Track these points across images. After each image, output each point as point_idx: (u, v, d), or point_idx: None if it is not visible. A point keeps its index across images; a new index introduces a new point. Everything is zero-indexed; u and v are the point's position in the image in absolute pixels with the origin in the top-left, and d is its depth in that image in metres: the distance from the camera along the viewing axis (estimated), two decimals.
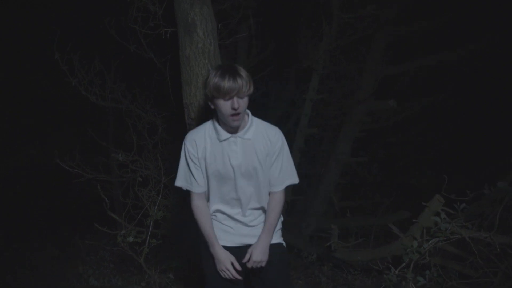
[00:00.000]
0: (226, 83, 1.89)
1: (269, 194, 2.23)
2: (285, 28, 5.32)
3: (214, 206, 2.20)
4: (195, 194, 2.17)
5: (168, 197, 4.06)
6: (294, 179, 2.24)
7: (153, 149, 4.27)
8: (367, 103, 5.00)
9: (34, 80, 6.27)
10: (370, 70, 5.04)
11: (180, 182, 2.19)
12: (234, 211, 2.20)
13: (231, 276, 2.10)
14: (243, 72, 1.95)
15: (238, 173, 2.11)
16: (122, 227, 3.55)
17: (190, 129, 2.50)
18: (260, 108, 5.50)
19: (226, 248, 2.17)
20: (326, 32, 4.62)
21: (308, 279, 3.93)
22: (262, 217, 2.25)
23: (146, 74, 4.68)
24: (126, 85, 4.39)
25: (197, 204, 2.17)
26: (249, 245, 2.19)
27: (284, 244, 2.31)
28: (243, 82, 1.92)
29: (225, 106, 1.95)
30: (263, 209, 2.24)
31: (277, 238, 2.25)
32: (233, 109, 1.94)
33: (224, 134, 2.07)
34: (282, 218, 2.34)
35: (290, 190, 4.88)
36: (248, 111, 2.11)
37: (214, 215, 2.22)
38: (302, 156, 5.05)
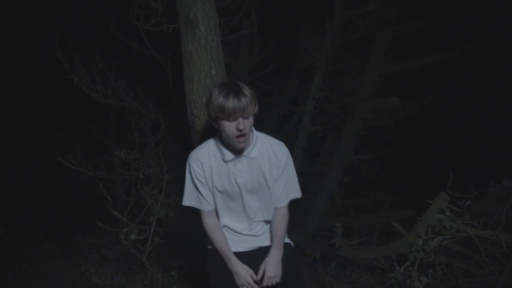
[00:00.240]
0: (231, 103, 1.82)
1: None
2: (287, 26, 5.30)
3: (222, 221, 2.20)
4: (205, 212, 2.15)
5: (171, 195, 4.04)
6: (297, 194, 2.22)
7: (155, 147, 4.25)
8: (369, 101, 4.97)
9: (34, 80, 6.27)
10: (372, 68, 5.02)
11: (188, 201, 2.17)
12: (241, 226, 2.21)
13: None
14: (247, 91, 1.88)
15: (244, 190, 2.10)
16: (124, 225, 3.54)
17: (193, 126, 2.48)
18: (262, 106, 5.46)
19: (236, 254, 2.16)
20: (329, 30, 4.60)
21: (312, 278, 3.91)
22: (269, 226, 2.26)
23: (148, 72, 4.66)
24: (128, 83, 4.37)
25: (208, 221, 2.15)
26: (259, 248, 2.21)
27: (292, 244, 2.31)
28: (247, 102, 1.85)
29: (229, 127, 1.89)
30: (269, 221, 2.24)
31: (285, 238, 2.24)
32: (239, 130, 1.88)
33: (228, 155, 2.04)
34: None
35: None
36: (252, 128, 2.05)
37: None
38: (305, 154, 5.02)
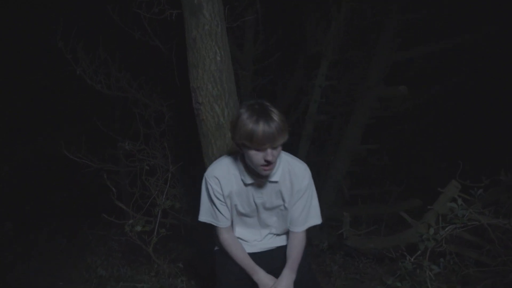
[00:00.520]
0: (261, 133, 1.68)
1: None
2: (293, 14, 5.21)
3: (235, 231, 2.15)
4: (222, 229, 2.08)
5: (176, 186, 4.00)
6: (317, 220, 2.12)
7: (160, 138, 4.21)
8: (376, 90, 4.90)
9: (37, 74, 6.22)
10: (379, 56, 4.95)
11: (205, 217, 2.09)
12: (253, 238, 2.17)
13: None
14: (278, 116, 1.74)
15: (261, 208, 2.05)
16: (130, 217, 3.51)
17: (198, 114, 2.43)
18: (268, 95, 5.41)
19: (250, 254, 2.10)
20: (335, 18, 4.52)
21: (320, 268, 3.86)
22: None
23: (152, 62, 4.61)
24: (132, 73, 4.32)
25: (226, 237, 2.09)
26: (274, 248, 2.18)
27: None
28: (279, 131, 1.71)
29: (256, 156, 1.77)
30: (284, 233, 2.20)
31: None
32: (266, 161, 1.77)
33: (249, 178, 1.95)
34: None
35: None
36: None
37: None
38: (311, 144, 4.96)
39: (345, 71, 5.34)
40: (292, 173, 1.98)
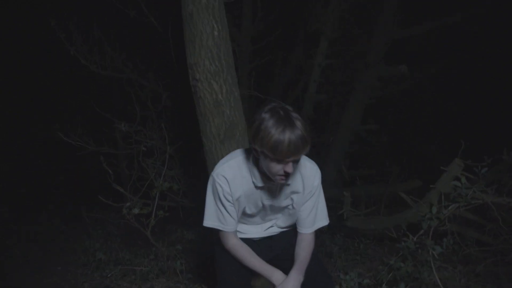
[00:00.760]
0: (286, 146, 1.56)
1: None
2: None
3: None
4: (230, 233, 1.95)
5: (174, 168, 3.95)
6: (325, 221, 2.05)
7: (157, 119, 4.13)
8: (376, 69, 4.82)
9: (32, 55, 6.11)
10: (379, 34, 4.85)
11: (211, 221, 1.92)
12: (254, 231, 2.10)
13: None
14: (303, 126, 1.60)
15: (268, 209, 1.98)
16: (128, 200, 3.45)
17: (195, 91, 2.35)
18: (267, 75, 5.32)
19: (248, 240, 2.05)
20: None
21: (320, 249, 3.84)
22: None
23: (147, 41, 4.51)
24: (127, 53, 4.22)
25: (235, 242, 1.96)
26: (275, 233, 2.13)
27: None
28: (304, 144, 1.59)
29: (275, 167, 1.66)
30: (288, 226, 2.13)
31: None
32: (286, 172, 1.67)
33: (261, 181, 1.85)
34: None
35: None
36: None
37: None
38: (310, 124, 4.89)
39: (345, 49, 5.23)
40: (303, 174, 1.90)
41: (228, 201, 1.86)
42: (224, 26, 2.34)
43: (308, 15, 4.70)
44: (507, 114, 5.43)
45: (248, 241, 2.05)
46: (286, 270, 1.95)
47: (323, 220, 2.04)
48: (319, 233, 4.14)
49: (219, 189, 1.83)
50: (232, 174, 1.83)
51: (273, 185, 1.87)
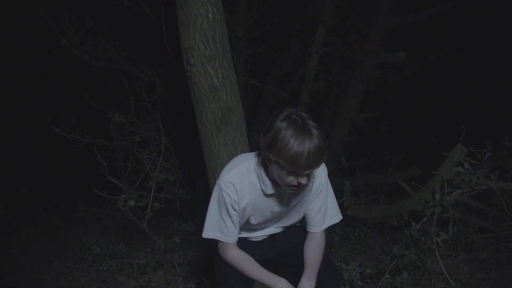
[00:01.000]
0: (304, 159, 1.49)
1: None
2: None
3: None
4: (231, 245, 1.84)
5: (170, 159, 3.88)
6: (336, 218, 1.97)
7: (152, 110, 4.05)
8: (375, 56, 4.75)
9: (23, 47, 6.00)
10: (378, 21, 4.76)
11: (212, 232, 1.82)
12: (254, 235, 2.02)
13: None
14: (320, 137, 1.53)
15: (276, 216, 1.91)
16: (124, 193, 3.39)
17: (190, 76, 2.26)
18: (263, 65, 5.23)
19: (252, 242, 1.99)
20: None
21: None
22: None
23: (141, 31, 4.41)
24: (120, 43, 4.13)
25: (235, 253, 1.85)
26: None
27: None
28: (322, 156, 1.53)
29: (289, 178, 1.59)
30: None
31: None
32: (299, 183, 1.61)
33: (271, 188, 1.77)
34: None
35: None
36: None
37: None
38: (308, 114, 4.80)
39: (343, 37, 5.15)
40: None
41: (235, 210, 1.78)
42: (219, 9, 2.26)
43: (305, 3, 4.60)
44: (507, 101, 5.37)
45: (247, 241, 1.99)
46: (291, 269, 1.90)
47: (334, 217, 1.96)
48: None
49: (227, 198, 1.74)
50: (240, 181, 1.75)
51: (282, 191, 1.79)
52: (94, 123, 4.50)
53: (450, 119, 5.89)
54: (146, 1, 3.85)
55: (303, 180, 1.59)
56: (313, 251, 1.88)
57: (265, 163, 1.71)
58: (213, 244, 1.91)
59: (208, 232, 1.82)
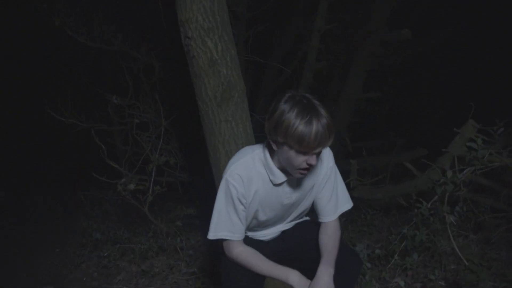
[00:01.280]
0: (313, 137, 1.45)
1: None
2: None
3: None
4: (236, 242, 1.75)
5: (170, 142, 3.78)
6: (348, 204, 1.90)
7: (151, 92, 3.94)
8: (379, 34, 4.60)
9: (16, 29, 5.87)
10: None
11: (220, 232, 1.72)
12: (264, 233, 1.94)
13: None
14: (327, 115, 1.50)
15: (286, 208, 1.82)
16: (124, 176, 3.30)
17: (188, 50, 2.14)
18: (264, 46, 5.10)
19: (261, 241, 1.91)
20: None
21: None
22: None
23: (137, 10, 4.28)
24: (116, 23, 4.00)
25: (241, 249, 1.74)
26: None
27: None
28: (331, 134, 1.50)
29: (298, 159, 1.54)
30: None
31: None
32: (309, 165, 1.55)
33: (280, 177, 1.69)
34: None
35: None
36: None
37: None
38: (311, 94, 4.68)
39: (346, 14, 5.00)
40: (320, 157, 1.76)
41: (242, 204, 1.70)
42: None
43: None
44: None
45: (256, 241, 1.91)
46: (302, 262, 1.82)
47: (346, 203, 1.88)
48: None
49: (233, 191, 1.67)
50: (247, 172, 1.68)
51: (292, 179, 1.73)
52: (92, 107, 4.42)
53: (456, 99, 5.77)
54: None
55: (313, 160, 1.53)
56: (329, 238, 1.80)
57: (271, 152, 1.67)
58: (219, 243, 1.82)
59: (217, 232, 1.73)
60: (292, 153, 1.53)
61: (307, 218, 2.08)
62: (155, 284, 2.94)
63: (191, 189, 4.03)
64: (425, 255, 2.71)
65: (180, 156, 3.82)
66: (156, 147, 3.36)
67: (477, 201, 3.08)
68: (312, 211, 1.97)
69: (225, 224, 1.71)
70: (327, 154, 1.80)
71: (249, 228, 1.90)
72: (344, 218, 3.59)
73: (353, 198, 3.34)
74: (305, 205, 1.88)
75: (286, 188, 1.75)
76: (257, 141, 2.15)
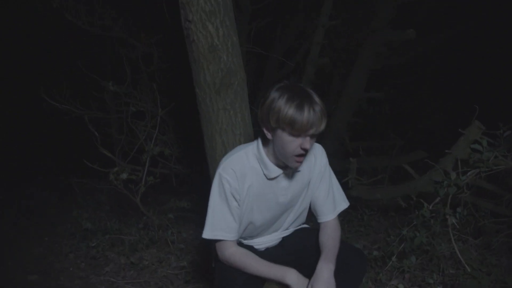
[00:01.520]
0: (305, 118, 1.46)
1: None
2: None
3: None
4: (229, 242, 1.67)
5: (166, 133, 3.69)
6: (345, 203, 1.88)
7: (149, 81, 3.86)
8: (383, 33, 4.53)
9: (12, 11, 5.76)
10: None
11: (215, 231, 1.66)
12: (261, 241, 1.88)
13: None
14: (319, 99, 1.51)
15: (281, 208, 1.78)
16: (116, 165, 3.21)
17: (188, 34, 2.05)
18: (266, 40, 5.01)
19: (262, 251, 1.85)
20: None
21: None
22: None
23: None
24: (115, 8, 3.91)
25: (234, 250, 1.67)
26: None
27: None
28: (323, 115, 1.50)
29: (292, 144, 1.53)
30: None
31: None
32: (303, 149, 1.53)
33: (275, 170, 1.66)
34: None
35: None
36: None
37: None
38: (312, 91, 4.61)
39: (350, 11, 4.92)
40: (312, 156, 1.77)
41: (235, 200, 1.66)
42: None
43: None
44: None
45: (253, 249, 1.83)
46: (302, 266, 1.71)
47: (342, 202, 1.87)
48: None
49: (226, 186, 1.63)
50: (241, 166, 1.66)
51: (287, 173, 1.70)
52: (88, 95, 4.34)
53: (455, 99, 5.74)
54: None
55: (307, 144, 1.52)
56: (328, 236, 1.74)
57: (265, 147, 1.67)
58: (213, 242, 1.74)
59: (213, 231, 1.66)
60: (285, 137, 1.52)
61: (307, 225, 2.02)
62: (144, 277, 2.87)
63: (189, 181, 3.96)
64: (423, 258, 2.64)
65: (175, 148, 3.73)
66: (151, 137, 3.27)
67: (478, 205, 3.01)
68: (311, 217, 1.93)
69: (219, 223, 1.66)
70: (320, 152, 1.80)
71: (245, 236, 1.83)
72: (341, 218, 3.50)
73: (350, 197, 3.27)
74: (302, 205, 1.84)
75: (281, 184, 1.71)
76: (255, 135, 2.07)
